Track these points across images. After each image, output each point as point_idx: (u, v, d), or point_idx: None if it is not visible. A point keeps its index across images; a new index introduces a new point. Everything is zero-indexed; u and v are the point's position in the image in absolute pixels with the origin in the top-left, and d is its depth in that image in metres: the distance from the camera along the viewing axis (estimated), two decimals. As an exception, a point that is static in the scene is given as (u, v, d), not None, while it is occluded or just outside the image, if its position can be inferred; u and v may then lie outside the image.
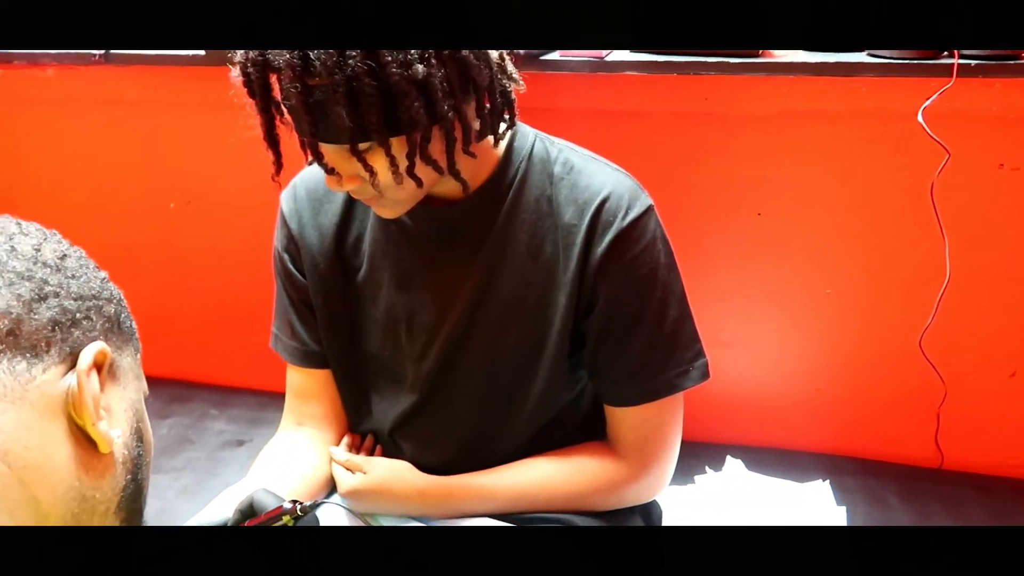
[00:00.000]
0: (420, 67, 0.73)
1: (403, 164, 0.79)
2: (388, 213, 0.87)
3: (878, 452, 1.45)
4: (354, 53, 0.71)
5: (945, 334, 1.35)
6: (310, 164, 0.86)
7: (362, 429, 1.05)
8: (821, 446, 1.48)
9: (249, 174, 1.52)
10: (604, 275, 0.89)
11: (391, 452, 1.02)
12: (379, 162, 0.78)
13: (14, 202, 1.68)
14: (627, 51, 1.26)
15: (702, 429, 1.24)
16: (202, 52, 1.34)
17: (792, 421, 1.50)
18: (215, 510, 0.89)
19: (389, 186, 0.81)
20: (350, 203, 0.97)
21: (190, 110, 1.53)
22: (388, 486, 0.93)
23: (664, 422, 0.95)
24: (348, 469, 0.96)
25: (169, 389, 1.62)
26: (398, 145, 0.78)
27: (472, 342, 0.94)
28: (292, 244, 0.99)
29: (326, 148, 0.79)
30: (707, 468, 1.27)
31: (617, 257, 0.88)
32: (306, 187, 0.99)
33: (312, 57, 0.72)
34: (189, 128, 1.55)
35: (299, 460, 0.99)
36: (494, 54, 0.82)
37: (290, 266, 1.00)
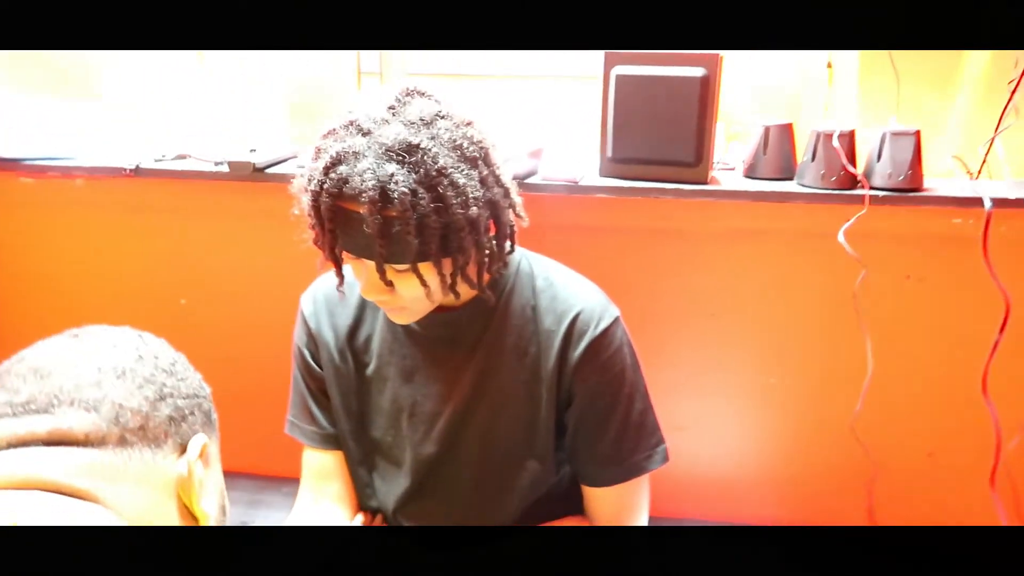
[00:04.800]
0: (475, 209, 0.88)
1: (448, 280, 0.92)
2: (402, 320, 0.99)
3: (819, 524, 1.55)
4: (423, 194, 0.84)
5: (872, 419, 1.46)
6: (325, 273, 0.96)
7: (370, 507, 1.15)
8: (768, 519, 1.58)
9: (255, 276, 1.66)
10: (580, 375, 1.02)
11: (396, 528, 1.12)
12: (429, 278, 0.90)
13: (45, 301, 1.75)
14: (598, 176, 1.39)
15: (663, 505, 1.36)
16: (225, 168, 1.48)
17: (742, 497, 1.59)
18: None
19: (420, 298, 0.93)
20: (362, 308, 1.10)
21: (208, 218, 1.63)
22: None
23: (634, 499, 1.08)
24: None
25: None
26: (447, 265, 0.91)
27: (468, 430, 1.05)
28: (311, 341, 1.11)
29: (368, 266, 0.90)
30: (670, 541, 1.39)
31: (590, 360, 1.02)
32: (324, 293, 1.11)
33: (392, 194, 0.83)
34: (205, 234, 1.65)
35: (319, 535, 1.10)
36: (513, 194, 0.96)
37: (309, 360, 1.12)
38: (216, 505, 0.70)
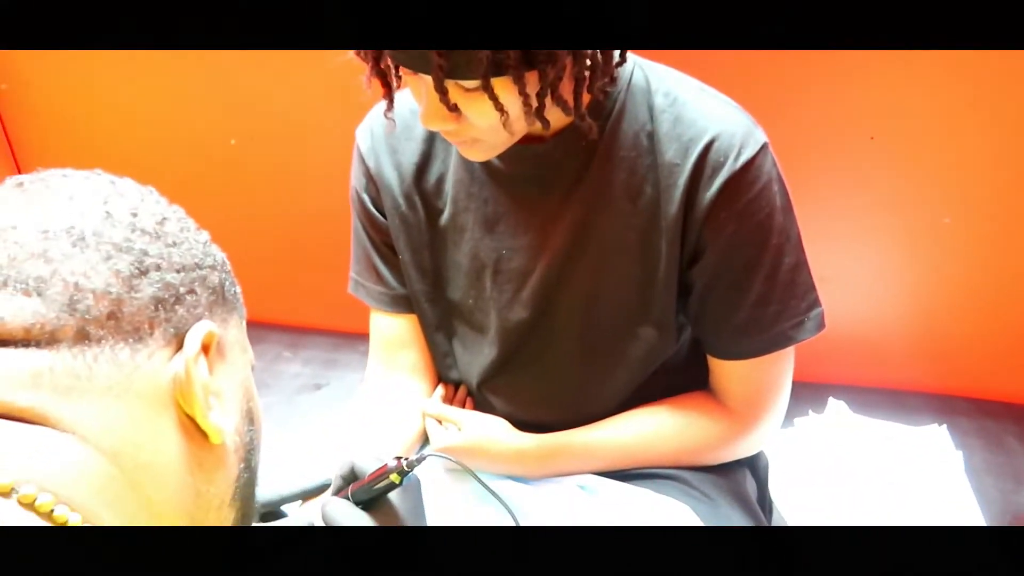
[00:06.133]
0: None
1: (534, 103, 0.71)
2: (478, 156, 0.80)
3: (992, 391, 1.36)
4: None
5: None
6: (387, 98, 0.79)
7: (452, 379, 1.01)
8: (931, 386, 1.39)
9: (315, 108, 1.47)
10: (713, 223, 0.81)
11: (482, 406, 0.98)
12: (507, 99, 0.70)
13: (69, 148, 1.64)
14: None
15: (802, 369, 1.18)
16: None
17: (900, 360, 1.40)
18: (308, 470, 0.87)
19: (496, 128, 0.73)
20: (430, 140, 0.91)
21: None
22: (483, 446, 0.89)
23: (776, 375, 0.90)
24: (442, 423, 0.93)
25: (241, 331, 1.60)
26: (531, 81, 0.70)
27: (566, 291, 0.88)
28: (371, 183, 0.93)
29: (427, 83, 0.71)
30: (809, 411, 1.19)
31: (728, 204, 0.80)
32: (383, 123, 0.92)
33: None
34: (248, 60, 1.48)
35: (394, 414, 0.96)
36: None
37: (370, 207, 0.95)
38: (237, 411, 0.52)
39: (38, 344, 0.43)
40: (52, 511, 0.40)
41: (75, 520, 0.41)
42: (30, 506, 0.39)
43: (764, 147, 0.81)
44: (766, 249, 0.83)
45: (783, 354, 0.88)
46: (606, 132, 0.82)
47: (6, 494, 0.39)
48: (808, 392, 1.22)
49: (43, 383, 0.42)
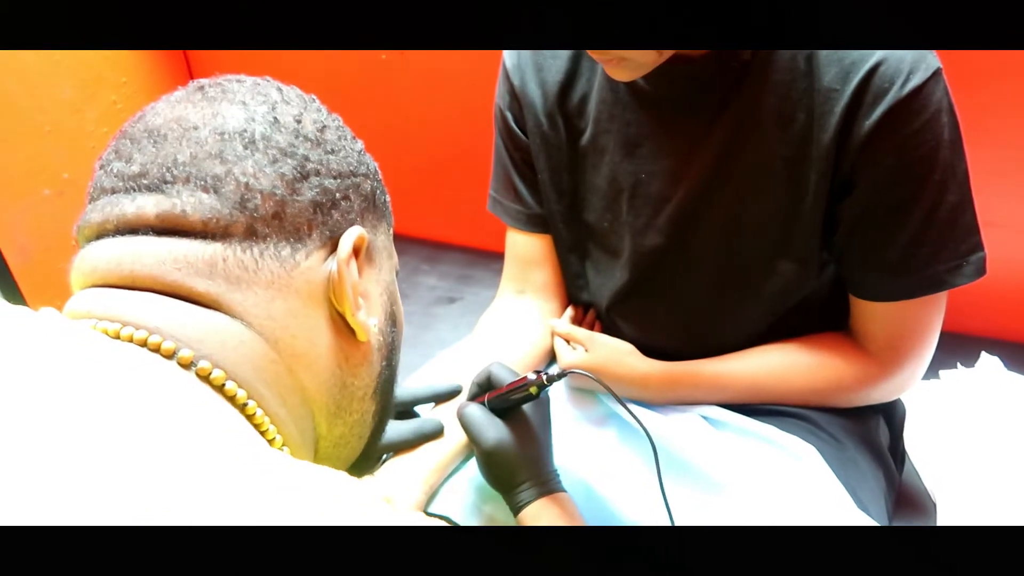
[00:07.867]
0: None
1: None
2: (624, 76, 0.78)
3: None
4: None
5: None
6: None
7: (582, 301, 1.02)
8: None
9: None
10: (871, 154, 0.75)
11: (610, 330, 0.98)
12: None
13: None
14: None
15: (954, 318, 1.10)
16: None
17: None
18: (439, 377, 0.91)
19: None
20: (576, 59, 0.89)
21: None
22: (609, 368, 0.89)
23: (924, 321, 0.84)
24: (569, 343, 0.94)
25: (382, 242, 1.66)
26: None
27: (705, 219, 0.85)
28: (514, 101, 0.93)
29: None
30: (958, 364, 1.12)
31: (889, 134, 0.74)
32: None
33: None
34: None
35: (522, 330, 0.98)
36: None
37: (512, 124, 0.95)
38: (382, 312, 0.56)
39: (213, 236, 0.47)
40: (223, 385, 0.45)
41: (241, 395, 0.45)
42: (205, 379, 0.44)
43: (936, 73, 0.74)
44: (927, 186, 0.77)
45: (935, 298, 0.82)
46: (761, 52, 0.78)
47: (186, 366, 0.44)
48: (958, 343, 1.13)
49: (217, 272, 0.46)
